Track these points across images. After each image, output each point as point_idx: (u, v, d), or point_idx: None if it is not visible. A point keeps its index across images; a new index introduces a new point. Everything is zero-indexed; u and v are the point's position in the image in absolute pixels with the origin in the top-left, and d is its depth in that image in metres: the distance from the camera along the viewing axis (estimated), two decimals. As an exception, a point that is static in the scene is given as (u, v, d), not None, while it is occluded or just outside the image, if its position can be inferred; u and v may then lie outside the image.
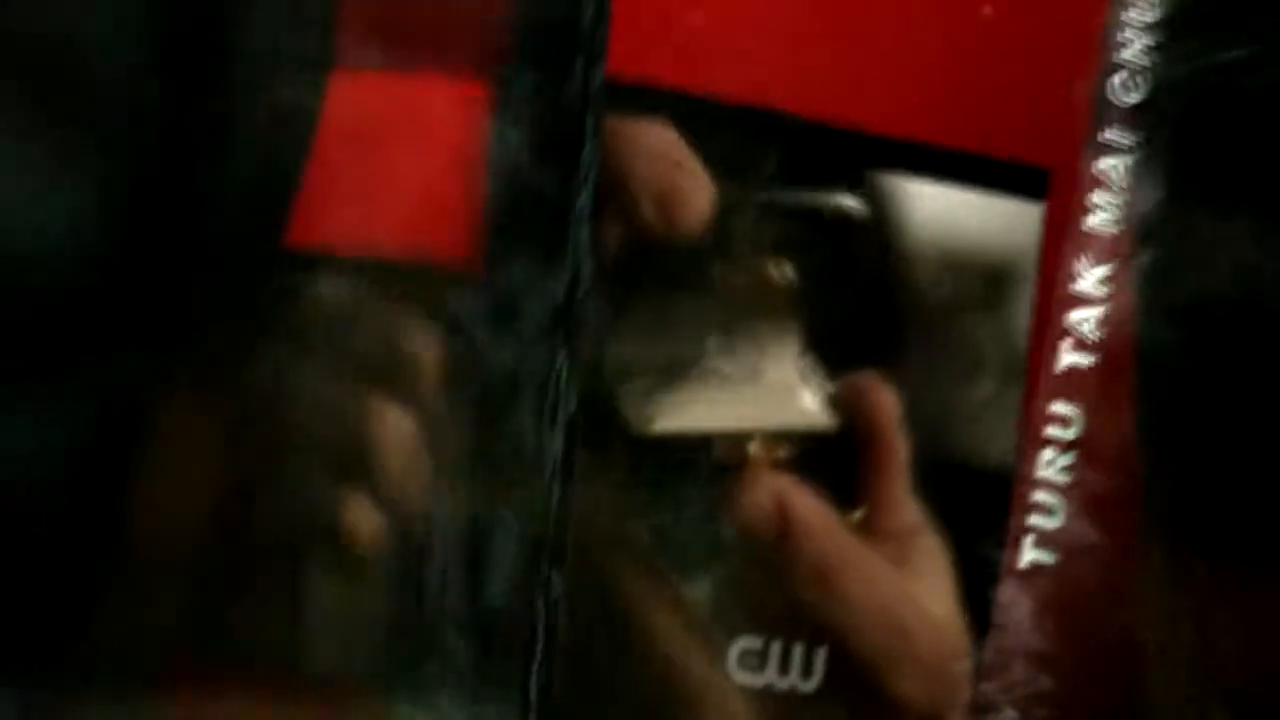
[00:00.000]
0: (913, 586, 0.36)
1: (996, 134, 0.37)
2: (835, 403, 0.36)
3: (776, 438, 0.36)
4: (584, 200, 0.35)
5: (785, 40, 0.36)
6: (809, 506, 0.36)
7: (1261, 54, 0.36)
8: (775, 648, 0.36)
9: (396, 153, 0.36)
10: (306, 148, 0.34)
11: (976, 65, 0.37)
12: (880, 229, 0.37)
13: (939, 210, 0.37)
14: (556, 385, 0.35)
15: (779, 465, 0.36)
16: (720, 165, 0.36)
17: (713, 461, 0.36)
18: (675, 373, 0.36)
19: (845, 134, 0.36)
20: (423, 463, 0.35)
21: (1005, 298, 0.37)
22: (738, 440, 0.36)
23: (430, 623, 0.35)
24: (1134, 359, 0.37)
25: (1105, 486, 0.37)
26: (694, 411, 0.36)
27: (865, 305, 0.37)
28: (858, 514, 0.36)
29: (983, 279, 0.37)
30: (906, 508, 0.36)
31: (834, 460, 0.36)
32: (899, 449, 0.36)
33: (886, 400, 0.36)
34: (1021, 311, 0.37)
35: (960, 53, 0.37)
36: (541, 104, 0.35)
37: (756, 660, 0.36)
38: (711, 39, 0.36)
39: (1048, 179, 0.37)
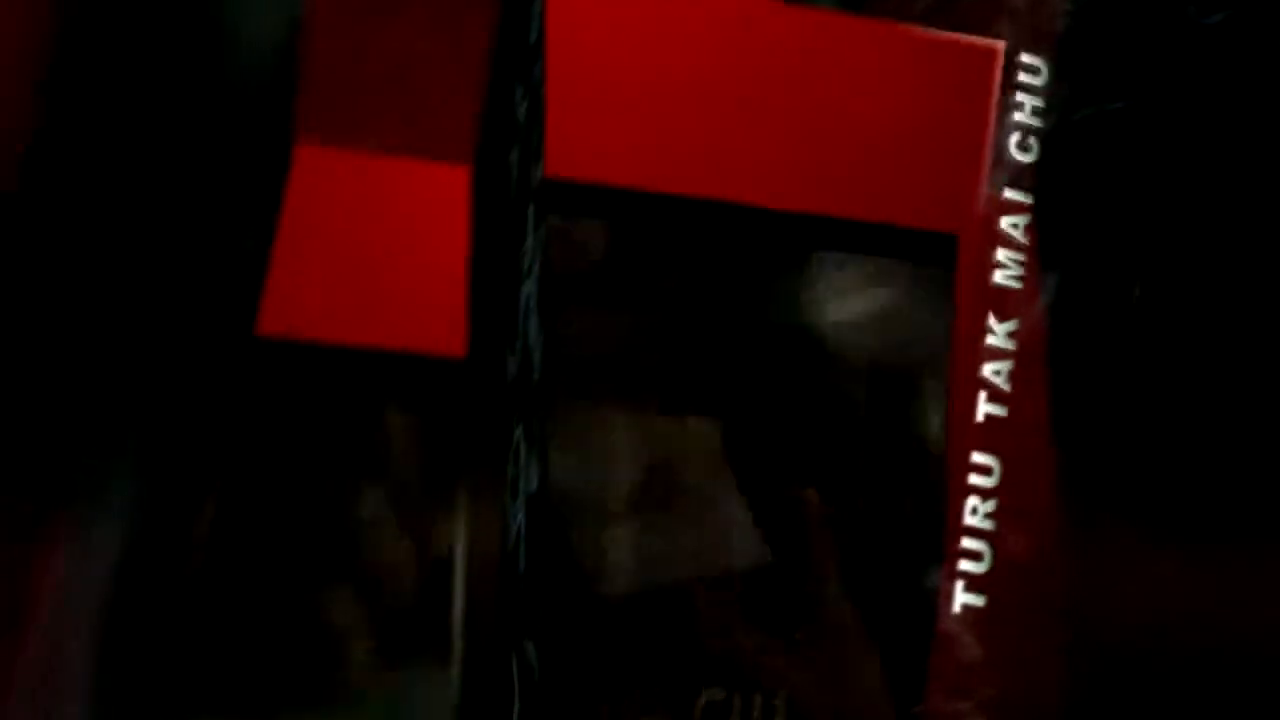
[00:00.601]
0: (847, 678, 0.38)
1: (906, 205, 0.39)
2: (769, 528, 0.38)
3: (721, 582, 0.38)
4: (529, 289, 0.37)
5: (703, 131, 0.38)
6: (754, 641, 0.38)
7: (1135, 105, 0.38)
8: (737, 700, 0.37)
9: (381, 239, 0.37)
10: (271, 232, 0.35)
11: (885, 145, 0.39)
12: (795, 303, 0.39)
13: (852, 284, 0.39)
14: (516, 461, 0.37)
15: (724, 608, 0.38)
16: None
17: (660, 612, 0.37)
18: (617, 523, 0.37)
19: (761, 212, 0.38)
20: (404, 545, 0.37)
21: (923, 372, 0.39)
22: (684, 588, 0.38)
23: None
24: (1048, 396, 0.39)
25: (1028, 527, 0.39)
26: (640, 567, 0.37)
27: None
28: (799, 635, 0.38)
29: (898, 351, 0.39)
30: (842, 611, 0.38)
31: (774, 584, 0.38)
32: (831, 556, 0.38)
33: (816, 512, 0.38)
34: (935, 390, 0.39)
35: (871, 136, 0.39)
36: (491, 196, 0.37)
37: (721, 711, 0.37)
38: (635, 133, 0.38)
39: (955, 243, 0.39)
